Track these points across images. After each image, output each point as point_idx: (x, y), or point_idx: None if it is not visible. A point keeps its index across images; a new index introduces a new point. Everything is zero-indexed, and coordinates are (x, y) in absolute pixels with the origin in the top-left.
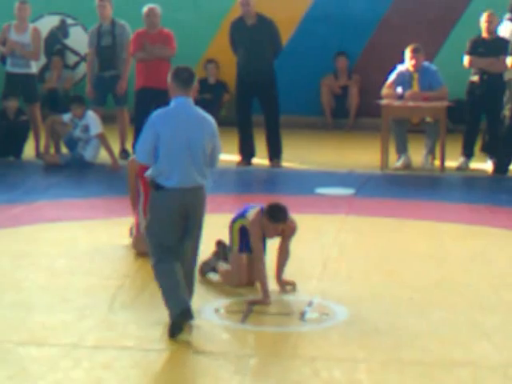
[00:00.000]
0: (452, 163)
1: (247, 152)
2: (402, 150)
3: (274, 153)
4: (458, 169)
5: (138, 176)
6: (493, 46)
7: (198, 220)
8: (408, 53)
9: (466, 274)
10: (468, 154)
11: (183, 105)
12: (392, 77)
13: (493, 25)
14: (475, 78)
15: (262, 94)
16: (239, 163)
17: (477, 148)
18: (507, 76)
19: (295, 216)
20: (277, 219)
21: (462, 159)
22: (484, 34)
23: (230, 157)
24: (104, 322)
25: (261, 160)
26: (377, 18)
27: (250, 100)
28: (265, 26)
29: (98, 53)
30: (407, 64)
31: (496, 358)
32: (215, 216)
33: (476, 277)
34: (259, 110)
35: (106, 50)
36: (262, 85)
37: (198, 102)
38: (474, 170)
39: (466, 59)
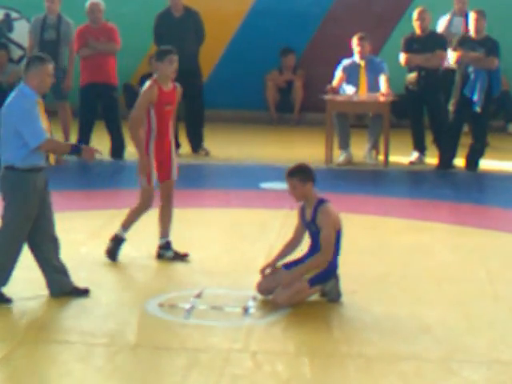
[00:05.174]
0: (396, 158)
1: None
2: (343, 146)
3: (198, 143)
4: (412, 164)
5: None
6: (427, 42)
7: None
8: (355, 40)
9: (408, 268)
10: (420, 148)
11: None
12: (338, 73)
13: (425, 22)
14: (412, 75)
15: (188, 84)
16: None
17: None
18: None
19: (240, 210)
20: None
21: (415, 154)
22: (417, 32)
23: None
24: (48, 316)
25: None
26: (322, 13)
27: None
28: (192, 18)
29: (40, 45)
30: (354, 52)
31: (438, 351)
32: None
33: (418, 271)
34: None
35: (49, 44)
36: (188, 75)
37: None
38: (428, 165)
39: (402, 57)
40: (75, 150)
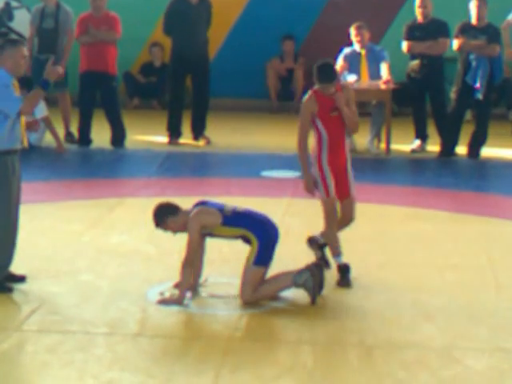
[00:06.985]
0: (398, 146)
1: (175, 131)
2: None
3: (200, 131)
4: (414, 151)
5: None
6: (429, 30)
7: None
8: (353, 31)
9: (410, 256)
10: (422, 136)
11: None
12: (340, 62)
13: (427, 9)
14: (415, 63)
15: (197, 70)
16: (169, 142)
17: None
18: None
19: (241, 199)
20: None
21: (417, 142)
22: (419, 19)
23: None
24: (48, 305)
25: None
26: (323, 1)
27: (184, 78)
28: (205, 5)
29: (39, 34)
30: (354, 42)
31: (440, 339)
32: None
33: (420, 259)
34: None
35: (47, 33)
36: (198, 61)
37: (143, 85)
38: (430, 152)
39: (405, 44)
40: (44, 84)
